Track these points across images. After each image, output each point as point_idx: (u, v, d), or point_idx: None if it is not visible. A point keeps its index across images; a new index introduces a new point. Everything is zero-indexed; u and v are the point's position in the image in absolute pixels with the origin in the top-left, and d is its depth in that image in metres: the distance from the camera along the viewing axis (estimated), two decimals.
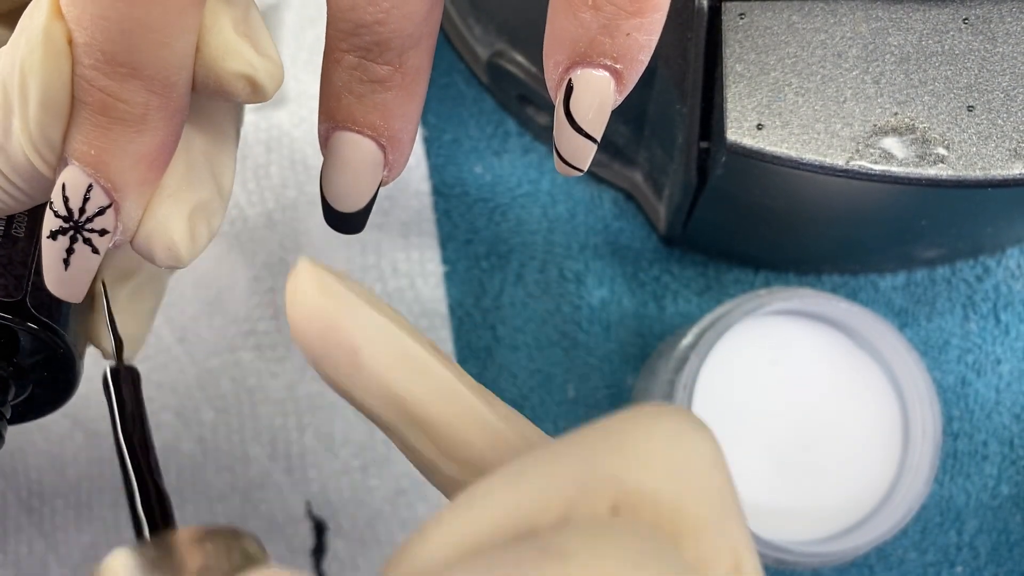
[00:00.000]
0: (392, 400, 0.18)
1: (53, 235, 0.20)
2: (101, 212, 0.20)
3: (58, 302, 0.24)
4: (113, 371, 0.20)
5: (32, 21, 0.18)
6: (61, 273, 0.20)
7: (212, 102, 0.21)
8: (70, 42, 0.18)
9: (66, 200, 0.19)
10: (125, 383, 0.20)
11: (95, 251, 0.20)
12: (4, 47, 0.19)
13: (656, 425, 0.16)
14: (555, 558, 0.13)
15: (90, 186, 0.19)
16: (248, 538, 0.17)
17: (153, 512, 0.18)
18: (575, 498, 0.15)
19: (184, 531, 0.16)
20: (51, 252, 0.20)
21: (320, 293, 0.18)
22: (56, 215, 0.20)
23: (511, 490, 0.15)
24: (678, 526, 0.15)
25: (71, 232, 0.20)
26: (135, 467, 0.18)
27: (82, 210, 0.19)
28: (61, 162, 0.19)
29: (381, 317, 0.18)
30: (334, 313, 0.18)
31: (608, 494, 0.15)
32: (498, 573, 0.13)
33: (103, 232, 0.20)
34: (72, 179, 0.19)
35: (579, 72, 0.19)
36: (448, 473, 0.18)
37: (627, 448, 0.15)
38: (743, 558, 0.16)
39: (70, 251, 0.20)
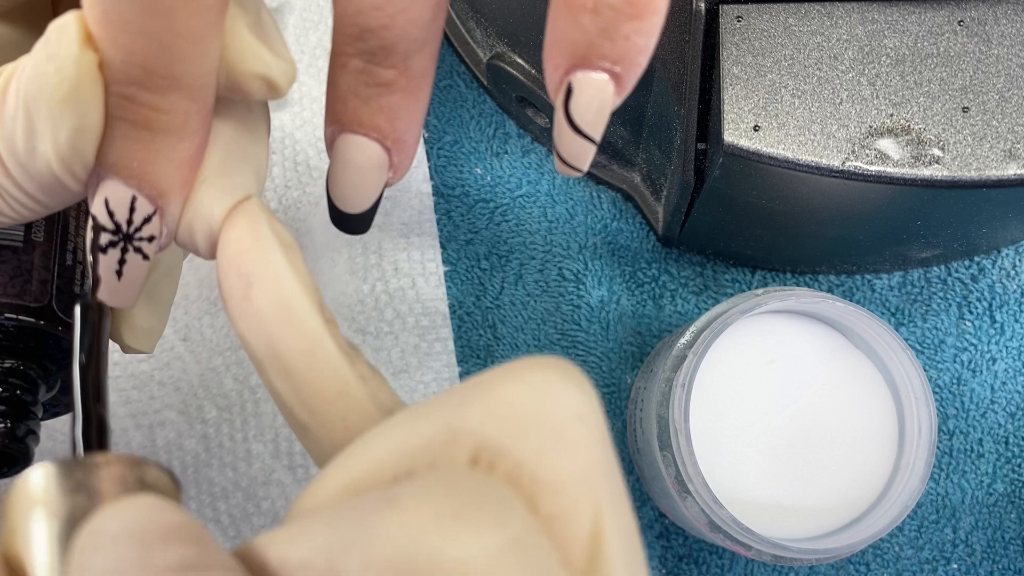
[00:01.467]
0: (264, 338, 0.19)
1: (103, 249, 0.20)
2: (148, 220, 0.20)
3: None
4: (83, 303, 0.20)
5: (60, 49, 0.18)
6: (115, 284, 0.20)
7: None
8: (100, 66, 0.18)
9: (111, 214, 0.20)
10: (92, 317, 0.20)
11: (146, 258, 0.20)
12: (21, 64, 0.19)
13: (523, 378, 0.16)
14: (388, 506, 0.14)
15: (134, 197, 0.19)
16: (150, 467, 0.17)
17: (91, 438, 0.18)
18: (441, 447, 0.16)
19: (97, 456, 0.17)
20: (103, 266, 0.20)
21: (247, 224, 0.20)
22: (104, 230, 0.20)
23: (391, 437, 0.16)
24: (534, 481, 0.15)
25: (121, 244, 0.20)
26: (83, 394, 0.19)
27: (129, 221, 0.20)
28: (93, 176, 0.19)
29: (281, 264, 0.19)
30: (247, 245, 0.19)
31: (468, 446, 0.16)
32: (346, 516, 0.15)
33: (151, 239, 0.20)
34: (115, 193, 0.19)
35: (579, 75, 0.19)
36: (301, 417, 0.19)
37: (491, 401, 0.16)
38: (604, 515, 0.15)
39: (122, 262, 0.20)
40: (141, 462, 0.17)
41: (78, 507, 0.16)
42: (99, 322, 0.20)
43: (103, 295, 0.21)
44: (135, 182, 0.19)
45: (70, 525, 0.16)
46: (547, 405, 0.16)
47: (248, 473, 0.38)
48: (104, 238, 0.20)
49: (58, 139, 0.18)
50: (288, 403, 0.19)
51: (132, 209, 0.20)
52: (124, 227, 0.20)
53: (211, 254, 0.21)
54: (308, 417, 0.19)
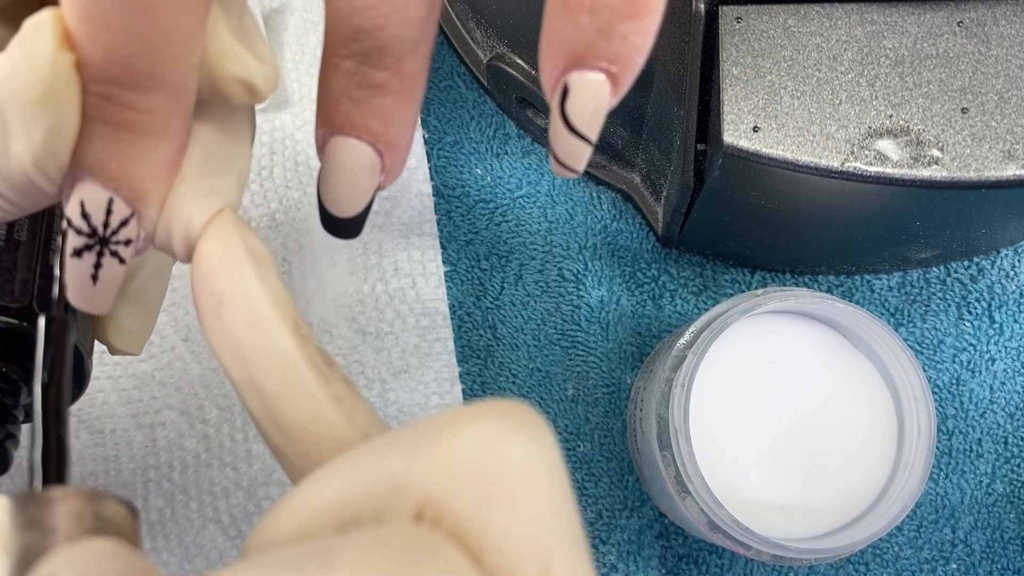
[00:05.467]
0: (237, 359, 0.19)
1: (78, 253, 0.19)
2: (125, 223, 0.19)
3: (65, 304, 0.25)
4: (48, 316, 0.19)
5: (35, 48, 0.17)
6: (90, 289, 0.20)
7: None
8: (78, 67, 0.18)
9: (87, 217, 0.19)
10: (56, 331, 0.19)
11: (122, 262, 0.20)
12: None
13: (472, 428, 0.16)
14: (324, 563, 0.14)
15: (111, 199, 0.19)
16: (108, 501, 0.16)
17: (49, 464, 0.18)
18: (387, 496, 0.15)
19: (54, 490, 0.16)
20: (77, 270, 0.20)
21: (218, 239, 0.19)
22: (79, 233, 0.19)
23: (342, 479, 0.16)
24: (479, 537, 0.15)
25: (97, 248, 0.19)
26: (44, 415, 0.18)
27: (106, 224, 0.19)
28: (69, 177, 0.19)
29: (252, 281, 0.19)
30: (217, 262, 0.19)
31: (413, 499, 0.15)
32: (286, 566, 0.14)
33: (128, 242, 0.20)
34: (91, 195, 0.19)
35: (575, 75, 0.19)
36: (275, 441, 0.19)
37: (438, 453, 0.15)
38: (553, 568, 0.15)
39: (97, 266, 0.20)
40: (99, 495, 0.16)
41: (32, 544, 0.15)
42: (63, 337, 0.19)
43: (77, 300, 0.20)
44: (113, 184, 0.19)
45: (24, 563, 0.15)
46: (492, 459, 0.15)
47: (249, 473, 0.38)
48: (79, 241, 0.19)
49: (32, 140, 0.18)
50: (262, 426, 0.19)
51: (109, 212, 0.19)
52: (100, 230, 0.19)
53: (188, 258, 0.20)
54: (282, 441, 0.19)
